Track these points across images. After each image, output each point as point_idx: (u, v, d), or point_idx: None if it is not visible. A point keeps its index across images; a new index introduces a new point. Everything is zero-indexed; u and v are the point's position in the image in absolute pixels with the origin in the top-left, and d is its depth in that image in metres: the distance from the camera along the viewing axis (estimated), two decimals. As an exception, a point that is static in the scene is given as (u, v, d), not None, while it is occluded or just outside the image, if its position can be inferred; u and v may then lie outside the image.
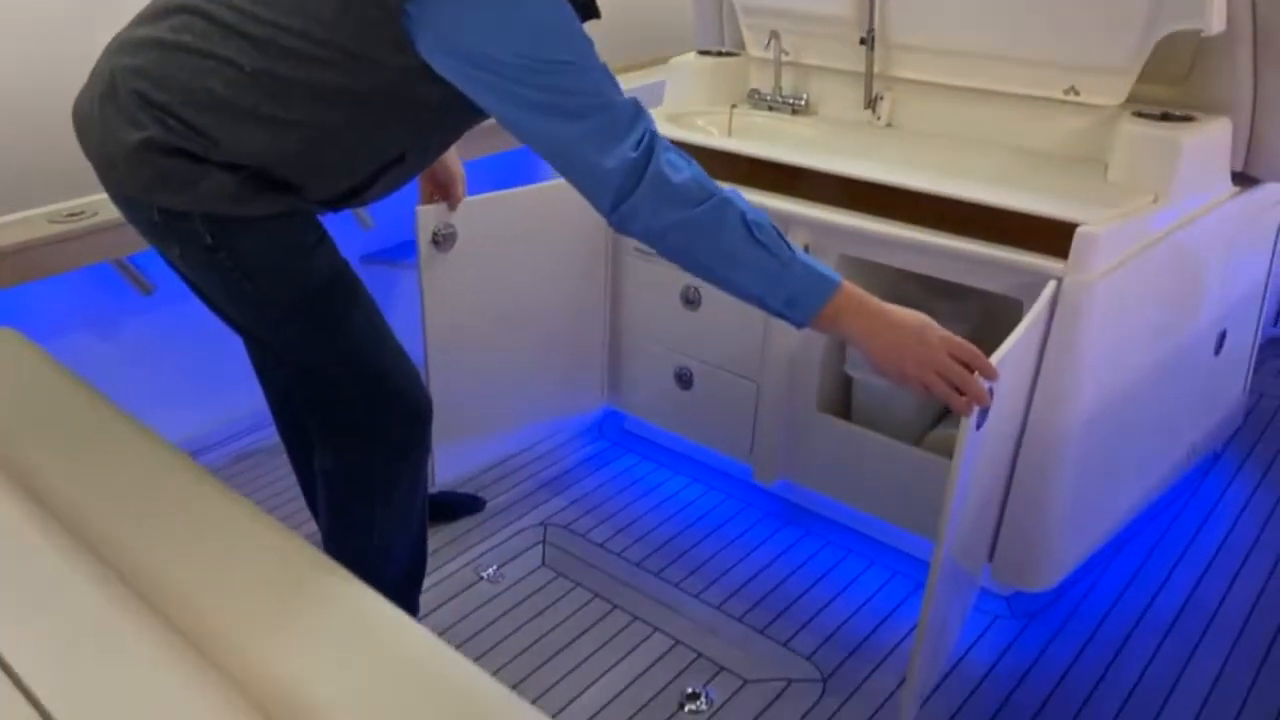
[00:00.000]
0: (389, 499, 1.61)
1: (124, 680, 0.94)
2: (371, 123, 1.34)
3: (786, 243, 1.27)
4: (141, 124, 1.30)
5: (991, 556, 1.89)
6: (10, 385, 1.42)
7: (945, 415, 2.09)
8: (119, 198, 1.41)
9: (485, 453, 2.27)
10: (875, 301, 1.28)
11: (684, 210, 1.23)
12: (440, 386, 1.97)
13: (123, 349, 2.30)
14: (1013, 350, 1.44)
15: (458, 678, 0.96)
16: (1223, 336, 2.16)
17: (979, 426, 1.35)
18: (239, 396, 2.54)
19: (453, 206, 1.91)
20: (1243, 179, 1.98)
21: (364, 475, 1.58)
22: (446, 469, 2.11)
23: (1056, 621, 1.92)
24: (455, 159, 1.88)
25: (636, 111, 1.24)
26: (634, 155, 1.21)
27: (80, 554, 1.06)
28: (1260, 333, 2.37)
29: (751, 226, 1.24)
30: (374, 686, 0.94)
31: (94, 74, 1.38)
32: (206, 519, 1.13)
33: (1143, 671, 1.81)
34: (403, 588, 1.72)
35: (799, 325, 1.28)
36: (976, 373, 1.29)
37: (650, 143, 1.23)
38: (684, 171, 1.24)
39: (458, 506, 2.22)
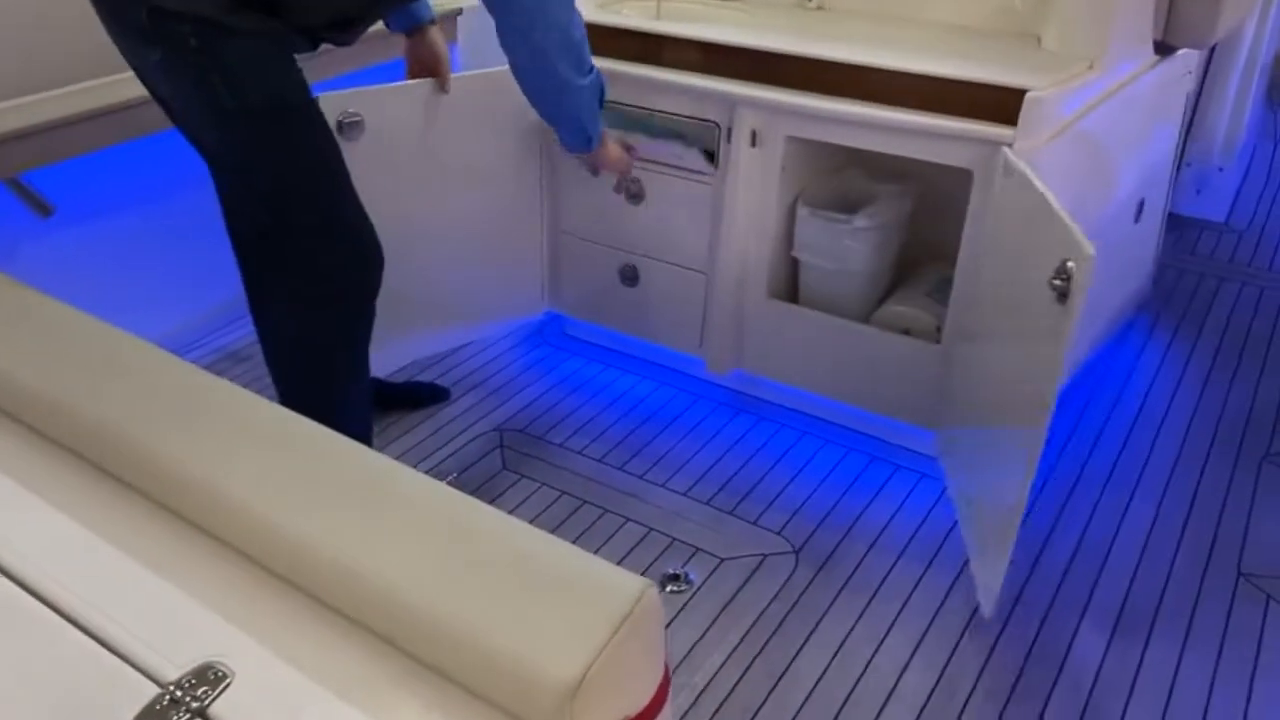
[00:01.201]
0: (333, 356, 1.64)
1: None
2: None
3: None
4: None
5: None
6: None
7: (889, 293, 2.13)
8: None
9: (416, 349, 2.22)
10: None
11: (581, 77, 1.66)
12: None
13: (21, 278, 2.12)
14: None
15: (406, 484, 0.91)
16: (1141, 205, 2.26)
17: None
18: (147, 324, 2.40)
19: (441, 87, 1.95)
20: (1161, 48, 2.05)
21: (314, 326, 1.61)
22: (377, 364, 2.03)
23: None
24: (442, 42, 1.92)
25: None
26: (579, 28, 1.60)
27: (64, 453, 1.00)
28: (1168, 203, 2.49)
29: (601, 98, 1.77)
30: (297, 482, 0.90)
31: None
32: (174, 384, 1.07)
33: (1089, 519, 1.92)
34: None
35: (584, 152, 1.88)
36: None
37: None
38: (586, 46, 1.66)
39: (422, 395, 2.20)
